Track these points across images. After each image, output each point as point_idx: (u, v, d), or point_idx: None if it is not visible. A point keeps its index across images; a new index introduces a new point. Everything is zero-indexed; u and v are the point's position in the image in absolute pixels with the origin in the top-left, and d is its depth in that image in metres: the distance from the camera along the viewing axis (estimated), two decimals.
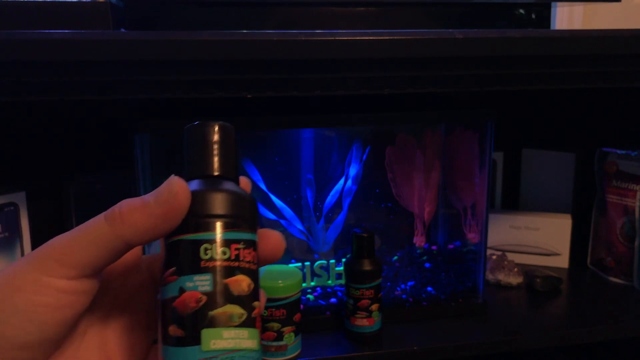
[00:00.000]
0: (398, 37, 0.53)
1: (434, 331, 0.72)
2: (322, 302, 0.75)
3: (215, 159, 0.30)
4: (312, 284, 0.76)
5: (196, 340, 0.27)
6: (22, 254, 0.74)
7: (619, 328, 0.73)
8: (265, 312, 0.64)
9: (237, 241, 0.28)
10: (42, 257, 0.26)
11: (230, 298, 0.27)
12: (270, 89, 0.54)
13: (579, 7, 1.35)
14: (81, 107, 0.83)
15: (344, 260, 0.74)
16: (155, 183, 0.68)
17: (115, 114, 0.82)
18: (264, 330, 0.64)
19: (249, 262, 0.28)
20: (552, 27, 0.88)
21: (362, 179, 0.75)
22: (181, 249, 0.28)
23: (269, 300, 0.63)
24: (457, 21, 0.78)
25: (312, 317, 0.73)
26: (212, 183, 0.29)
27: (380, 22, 0.75)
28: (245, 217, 0.29)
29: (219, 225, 0.28)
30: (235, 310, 0.27)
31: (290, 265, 0.74)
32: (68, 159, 0.85)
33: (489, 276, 0.85)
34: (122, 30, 0.65)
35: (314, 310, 0.74)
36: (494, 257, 0.86)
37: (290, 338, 0.65)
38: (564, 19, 1.36)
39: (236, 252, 0.28)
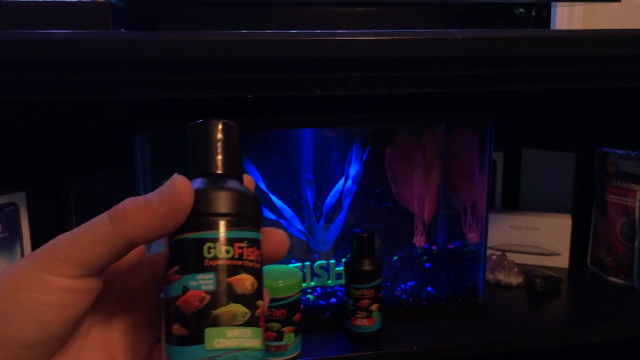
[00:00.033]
0: (398, 37, 0.53)
1: (434, 331, 0.72)
2: (322, 302, 0.75)
3: (219, 157, 0.30)
4: (312, 284, 0.76)
5: (200, 339, 0.27)
6: (22, 254, 0.74)
7: (619, 328, 0.73)
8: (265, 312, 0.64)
9: (241, 240, 0.28)
10: (45, 256, 0.26)
11: (234, 297, 0.27)
12: (270, 89, 0.54)
13: (579, 7, 1.35)
14: (81, 107, 0.83)
15: (344, 260, 0.74)
16: (155, 183, 0.68)
17: (115, 114, 0.82)
18: None
19: (252, 260, 0.28)
20: (552, 27, 0.88)
21: (362, 179, 0.75)
22: (185, 248, 0.28)
23: None
24: (457, 21, 0.78)
25: (312, 317, 0.73)
26: (216, 181, 0.29)
27: (380, 22, 0.75)
28: (248, 215, 0.29)
29: (222, 224, 0.28)
30: (239, 309, 0.27)
31: (290, 265, 0.74)
32: (68, 159, 0.85)
33: (489, 276, 0.85)
34: (122, 30, 0.65)
35: (314, 310, 0.74)
36: (494, 257, 0.86)
37: (290, 338, 0.65)
38: (564, 19, 1.36)
39: (240, 250, 0.28)
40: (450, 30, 0.54)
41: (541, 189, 0.99)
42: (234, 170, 0.30)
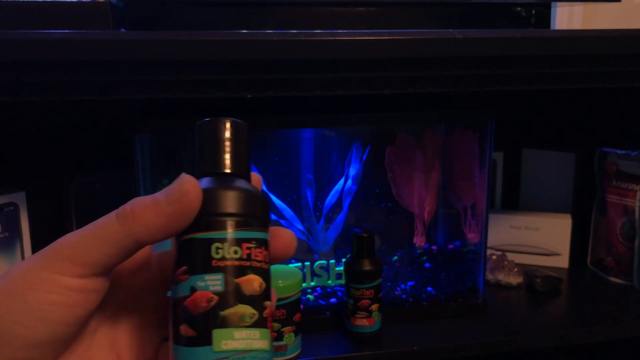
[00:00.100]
0: (398, 37, 0.53)
1: (434, 331, 0.72)
2: (322, 302, 0.75)
3: (227, 156, 0.30)
4: (312, 284, 0.76)
5: (207, 341, 0.26)
6: (22, 254, 0.74)
7: (619, 328, 0.73)
8: None
9: (249, 240, 0.28)
10: (53, 255, 0.26)
11: (242, 298, 0.27)
12: (270, 89, 0.54)
13: (579, 7, 1.35)
14: (81, 107, 0.83)
15: (344, 260, 0.74)
16: (155, 183, 0.68)
17: (115, 114, 0.82)
18: None
19: (260, 261, 0.28)
20: (552, 27, 0.88)
21: (362, 179, 0.75)
22: (193, 248, 0.27)
23: None
24: (457, 21, 0.78)
25: (312, 317, 0.73)
26: (224, 181, 0.29)
27: (380, 22, 0.75)
28: (256, 215, 0.28)
29: (230, 224, 0.27)
30: (247, 310, 0.27)
31: (290, 265, 0.74)
32: (68, 159, 0.85)
33: (489, 276, 0.85)
34: (122, 30, 0.65)
35: (314, 310, 0.74)
36: (494, 257, 0.86)
37: (290, 338, 0.65)
38: (564, 19, 1.36)
39: (248, 251, 0.28)
40: (450, 30, 0.54)
41: (541, 189, 0.99)
42: (242, 170, 0.30)
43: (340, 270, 0.76)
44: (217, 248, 0.27)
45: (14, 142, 0.83)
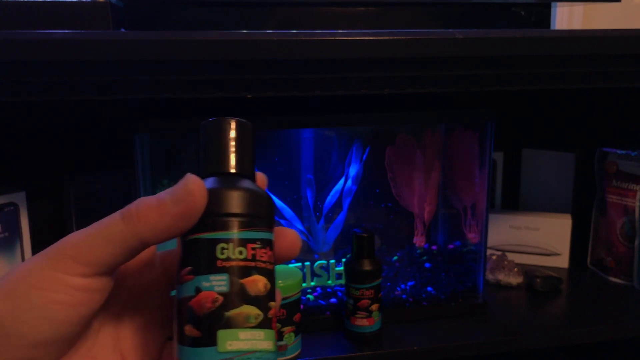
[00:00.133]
0: (398, 37, 0.53)
1: (434, 331, 0.72)
2: (322, 302, 0.75)
3: (232, 156, 0.30)
4: (312, 284, 0.76)
5: (212, 341, 0.26)
6: (22, 254, 0.74)
7: (619, 328, 0.73)
8: None
9: (254, 241, 0.28)
10: (57, 255, 0.26)
11: (247, 299, 0.27)
12: (270, 89, 0.54)
13: (579, 7, 1.35)
14: (81, 107, 0.83)
15: (344, 260, 0.74)
16: (155, 183, 0.68)
17: (115, 114, 0.82)
18: None
19: (265, 261, 0.28)
20: (552, 27, 0.88)
21: (362, 179, 0.75)
22: (198, 248, 0.27)
23: None
24: (457, 21, 0.78)
25: (312, 317, 0.73)
26: (229, 181, 0.29)
27: (380, 22, 0.75)
28: (261, 215, 0.28)
29: (235, 225, 0.27)
30: (252, 311, 0.27)
31: (290, 265, 0.74)
32: (68, 159, 0.85)
33: (489, 276, 0.85)
34: (122, 30, 0.65)
35: (314, 310, 0.74)
36: (494, 257, 0.86)
37: (290, 338, 0.65)
38: (564, 19, 1.36)
39: (253, 251, 0.27)
40: (450, 30, 0.54)
41: (541, 189, 0.99)
42: (247, 170, 0.30)
43: (340, 270, 0.76)
44: (222, 248, 0.27)
45: (14, 142, 0.83)
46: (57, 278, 0.26)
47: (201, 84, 0.53)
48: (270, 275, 0.28)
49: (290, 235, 0.31)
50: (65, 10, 0.57)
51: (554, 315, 0.78)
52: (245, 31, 0.51)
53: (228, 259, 0.27)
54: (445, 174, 0.79)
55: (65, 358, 0.28)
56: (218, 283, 0.27)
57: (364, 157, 0.75)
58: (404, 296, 0.77)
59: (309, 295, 0.75)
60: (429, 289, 0.78)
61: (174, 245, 0.30)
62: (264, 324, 0.27)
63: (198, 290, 0.27)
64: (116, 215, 0.27)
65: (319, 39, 0.51)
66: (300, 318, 0.67)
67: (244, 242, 0.27)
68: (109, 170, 0.82)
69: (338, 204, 0.76)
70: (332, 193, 0.76)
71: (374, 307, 0.69)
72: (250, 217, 0.28)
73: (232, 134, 0.30)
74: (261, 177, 0.32)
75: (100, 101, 0.56)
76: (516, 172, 1.01)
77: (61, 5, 0.57)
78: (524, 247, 0.92)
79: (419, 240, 0.79)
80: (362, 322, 0.69)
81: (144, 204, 0.27)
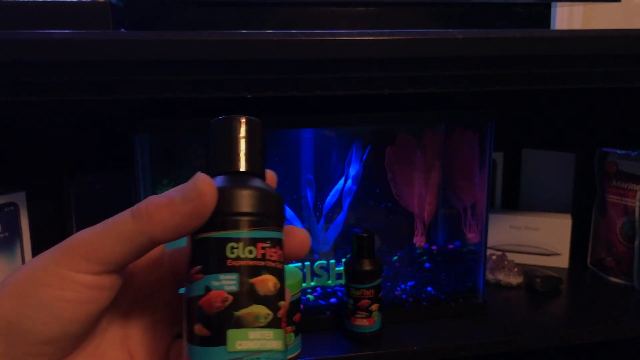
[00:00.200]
0: (398, 37, 0.53)
1: (434, 331, 0.72)
2: (322, 302, 0.75)
3: (242, 154, 0.29)
4: (312, 284, 0.76)
5: (222, 341, 0.26)
6: (22, 254, 0.74)
7: (619, 328, 0.73)
8: None
9: (264, 240, 0.28)
10: (67, 252, 0.26)
11: (256, 298, 0.27)
12: (270, 89, 0.54)
13: (579, 7, 1.35)
14: (81, 107, 0.83)
15: (344, 260, 0.74)
16: (155, 183, 0.68)
17: (115, 114, 0.82)
18: None
19: (275, 261, 0.28)
20: (552, 27, 0.88)
21: (362, 179, 0.76)
22: (207, 247, 0.27)
23: None
24: (457, 21, 0.78)
25: (312, 317, 0.73)
26: (239, 180, 0.29)
27: (380, 22, 0.75)
28: (271, 214, 0.28)
29: (245, 224, 0.27)
30: (261, 310, 0.27)
31: (290, 265, 0.74)
32: (68, 159, 0.85)
33: (489, 276, 0.85)
34: (122, 30, 0.65)
35: (314, 310, 0.74)
36: (494, 257, 0.86)
37: (290, 338, 0.65)
38: (564, 19, 1.36)
39: (262, 251, 0.27)
40: (450, 30, 0.54)
41: (541, 189, 0.99)
42: (256, 168, 0.30)
43: (340, 270, 0.76)
44: (232, 247, 0.27)
45: (14, 142, 0.83)
46: (66, 275, 0.26)
47: (201, 84, 0.53)
48: (280, 274, 0.28)
49: (299, 234, 0.30)
50: (65, 10, 0.57)
51: (554, 315, 0.78)
52: (245, 31, 0.51)
53: (238, 258, 0.27)
54: (445, 174, 0.79)
55: (74, 355, 0.28)
56: (228, 282, 0.27)
57: (364, 157, 0.75)
58: (404, 296, 0.77)
59: (309, 295, 0.75)
60: (429, 289, 0.78)
61: (182, 243, 0.30)
62: (273, 324, 0.27)
63: (208, 289, 0.27)
64: (126, 214, 0.27)
65: (319, 39, 0.51)
66: (300, 318, 0.67)
67: (253, 242, 0.27)
68: (109, 170, 0.82)
69: (338, 204, 0.76)
70: (332, 193, 0.76)
71: (374, 307, 0.69)
72: (260, 216, 0.28)
73: (242, 132, 0.30)
74: (271, 176, 0.32)
75: (100, 101, 0.56)
76: (516, 172, 1.01)
77: (61, 5, 0.57)
78: (524, 247, 0.92)
79: (419, 240, 0.79)
80: (362, 322, 0.69)
81: (154, 202, 0.27)
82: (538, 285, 0.83)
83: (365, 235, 0.69)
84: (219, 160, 0.30)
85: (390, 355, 0.68)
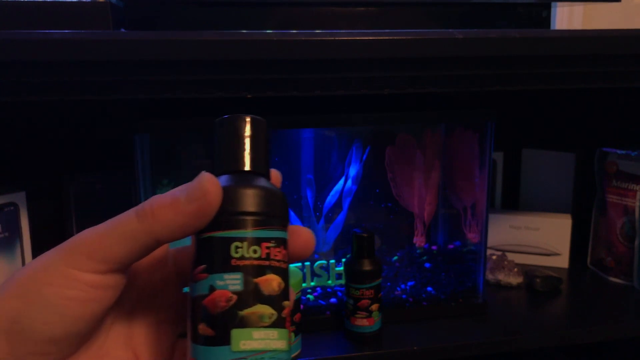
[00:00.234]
0: (398, 37, 0.53)
1: (434, 331, 0.72)
2: (322, 302, 0.75)
3: (247, 153, 0.29)
4: (312, 284, 0.76)
5: (226, 341, 0.26)
6: (22, 254, 0.74)
7: (619, 328, 0.73)
8: None
9: (268, 239, 0.28)
10: (71, 251, 0.26)
11: (261, 298, 0.27)
12: (270, 89, 0.54)
13: (579, 7, 1.35)
14: (81, 107, 0.83)
15: (344, 260, 0.74)
16: (155, 183, 0.68)
17: (115, 114, 0.82)
18: None
19: (279, 260, 0.28)
20: (552, 27, 0.88)
21: (362, 179, 0.76)
22: (212, 247, 0.27)
23: None
24: (457, 21, 0.78)
25: (312, 317, 0.73)
26: (244, 179, 0.29)
27: (380, 22, 0.75)
28: (276, 214, 0.28)
29: (250, 223, 0.27)
30: (266, 310, 0.27)
31: (291, 265, 0.74)
32: (68, 159, 0.85)
33: (489, 276, 0.85)
34: (122, 30, 0.65)
35: (314, 310, 0.74)
36: (494, 257, 0.86)
37: (290, 338, 0.65)
38: (564, 19, 1.36)
39: (267, 250, 0.27)
40: (450, 30, 0.54)
41: (541, 189, 0.99)
42: (261, 167, 0.30)
43: (340, 270, 0.76)
44: (237, 247, 0.27)
45: (14, 142, 0.83)
46: (70, 274, 0.26)
47: (201, 84, 0.53)
48: (284, 274, 0.28)
49: (304, 234, 0.30)
50: (65, 10, 0.57)
51: (554, 315, 0.78)
52: (245, 31, 0.51)
53: (242, 257, 0.27)
54: (445, 174, 0.79)
55: (77, 354, 0.28)
56: (232, 282, 0.27)
57: (364, 157, 0.75)
58: (404, 296, 0.77)
59: (309, 295, 0.75)
60: (429, 289, 0.78)
61: (187, 242, 0.30)
62: (277, 324, 0.27)
63: (212, 288, 0.27)
64: (131, 213, 0.27)
65: (319, 39, 0.51)
66: (300, 318, 0.67)
67: (258, 241, 0.27)
68: (109, 170, 0.82)
69: (338, 204, 0.76)
70: (332, 193, 0.76)
71: (374, 307, 0.69)
72: (264, 216, 0.28)
73: (247, 131, 0.30)
74: (276, 175, 0.32)
75: (100, 101, 0.56)
76: (516, 172, 1.01)
77: (61, 5, 0.57)
78: (524, 247, 0.92)
79: (419, 240, 0.79)
80: (362, 322, 0.69)
81: (159, 202, 0.27)
82: (538, 285, 0.83)
83: (365, 235, 0.69)
84: (224, 160, 0.30)
85: (390, 355, 0.68)
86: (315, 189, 0.75)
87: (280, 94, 0.55)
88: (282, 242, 0.28)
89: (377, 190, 0.78)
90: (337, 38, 0.51)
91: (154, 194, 0.68)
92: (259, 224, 0.27)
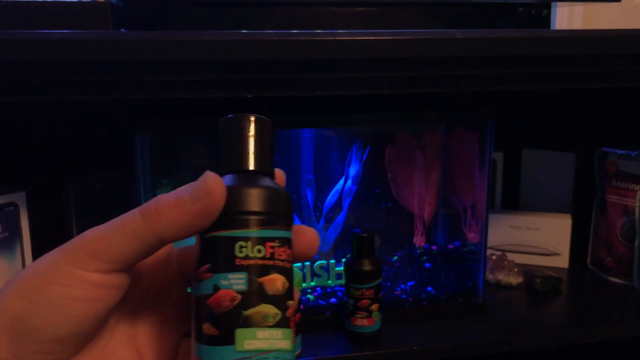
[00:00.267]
0: (398, 37, 0.53)
1: (434, 331, 0.72)
2: (322, 302, 0.75)
3: (251, 153, 0.29)
4: (312, 284, 0.76)
5: (230, 340, 0.26)
6: (22, 254, 0.74)
7: (619, 328, 0.73)
8: None
9: (273, 239, 0.28)
10: (75, 250, 0.26)
11: (265, 297, 0.27)
12: (270, 89, 0.54)
13: (579, 7, 1.35)
14: (81, 107, 0.83)
15: (344, 260, 0.74)
16: (155, 183, 0.68)
17: (115, 114, 0.82)
18: None
19: (283, 260, 0.28)
20: (552, 27, 0.88)
21: (362, 179, 0.76)
22: (216, 246, 0.27)
23: None
24: (457, 21, 0.78)
25: (312, 317, 0.73)
26: (248, 178, 0.29)
27: (380, 22, 0.75)
28: (280, 213, 0.28)
29: (254, 223, 0.27)
30: (270, 310, 0.27)
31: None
32: (68, 159, 0.85)
33: (489, 276, 0.85)
34: (122, 30, 0.65)
35: (314, 310, 0.74)
36: (494, 257, 0.86)
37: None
38: (564, 19, 1.36)
39: (271, 250, 0.27)
40: (450, 30, 0.54)
41: (541, 189, 0.99)
42: (266, 167, 0.30)
43: (340, 270, 0.76)
44: (241, 246, 0.27)
45: (14, 142, 0.83)
46: (75, 274, 0.26)
47: (201, 84, 0.53)
48: (288, 274, 0.28)
49: (308, 233, 0.30)
50: (65, 10, 0.57)
51: (554, 315, 0.78)
52: (245, 31, 0.51)
53: (247, 257, 0.27)
54: (445, 174, 0.79)
55: (81, 354, 0.28)
56: (236, 281, 0.27)
57: (364, 157, 0.75)
58: (404, 296, 0.77)
59: (309, 295, 0.75)
60: (429, 289, 0.78)
61: (191, 242, 0.30)
62: (282, 323, 0.27)
63: (216, 288, 0.27)
64: (135, 212, 0.27)
65: (319, 39, 0.51)
66: (300, 318, 0.67)
67: (262, 241, 0.27)
68: (109, 170, 0.82)
69: (338, 204, 0.76)
70: (332, 193, 0.76)
71: (374, 307, 0.69)
72: (269, 215, 0.28)
73: (251, 130, 0.30)
74: (280, 175, 0.32)
75: (100, 101, 0.56)
76: (516, 172, 1.01)
77: (61, 5, 0.57)
78: (524, 247, 0.92)
79: (419, 240, 0.79)
80: (362, 322, 0.69)
81: (163, 201, 0.27)
82: (538, 285, 0.83)
83: (365, 235, 0.69)
84: (228, 159, 0.30)
85: (390, 355, 0.68)
86: (315, 189, 0.75)
87: (280, 94, 0.55)
88: (286, 242, 0.28)
89: (377, 190, 0.78)
90: (337, 38, 0.51)
91: (154, 194, 0.68)
92: (263, 224, 0.27)
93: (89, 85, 0.51)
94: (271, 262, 0.27)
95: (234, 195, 0.27)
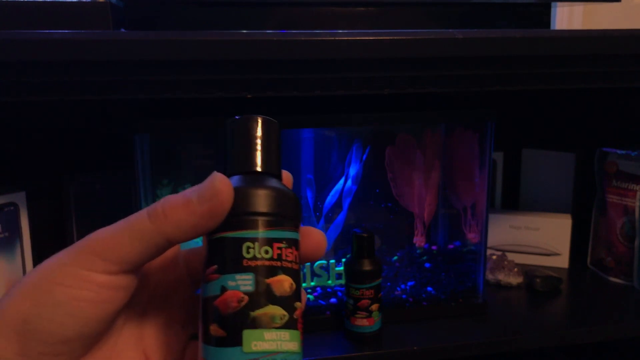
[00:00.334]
0: (398, 37, 0.53)
1: (434, 331, 0.72)
2: (322, 302, 0.75)
3: (258, 154, 0.29)
4: (312, 284, 0.76)
5: (237, 342, 0.26)
6: (22, 254, 0.74)
7: (619, 328, 0.73)
8: None
9: (280, 240, 0.28)
10: (83, 252, 0.26)
11: (272, 299, 0.27)
12: (270, 89, 0.54)
13: (579, 7, 1.35)
14: (81, 107, 0.83)
15: (344, 260, 0.74)
16: (155, 183, 0.68)
17: (115, 114, 0.82)
18: None
19: (291, 261, 0.28)
20: (552, 27, 0.88)
21: (362, 179, 0.75)
22: (223, 247, 0.27)
23: None
24: (457, 21, 0.78)
25: (312, 317, 0.73)
26: (255, 180, 0.29)
27: (380, 22, 0.75)
28: (288, 215, 0.28)
29: (261, 224, 0.27)
30: (277, 311, 0.27)
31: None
32: (68, 159, 0.85)
33: (489, 276, 0.85)
34: (122, 30, 0.65)
35: (314, 310, 0.74)
36: (494, 257, 0.86)
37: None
38: (564, 19, 1.36)
39: (279, 251, 0.27)
40: (450, 30, 0.54)
41: (541, 189, 0.99)
42: (273, 168, 0.30)
43: (340, 270, 0.76)
44: (248, 247, 0.27)
45: (14, 142, 0.83)
46: (82, 275, 0.26)
47: (201, 84, 0.53)
48: (295, 275, 0.28)
49: (316, 235, 0.30)
50: (65, 10, 0.57)
51: (554, 315, 0.78)
52: (245, 31, 0.51)
53: (254, 258, 0.27)
54: (445, 174, 0.79)
55: (89, 355, 0.28)
56: (244, 282, 0.27)
57: (364, 157, 0.75)
58: (404, 296, 0.77)
59: (309, 295, 0.75)
60: (429, 289, 0.78)
61: (198, 243, 0.30)
62: (289, 325, 0.27)
63: (224, 289, 0.27)
64: (142, 213, 0.27)
65: (319, 39, 0.51)
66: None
67: (270, 242, 0.27)
68: (109, 170, 0.82)
69: (338, 204, 0.76)
70: (332, 193, 0.76)
71: (374, 307, 0.69)
72: (276, 216, 0.28)
73: (259, 132, 0.30)
74: (287, 176, 0.32)
75: (100, 101, 0.56)
76: (516, 172, 1.01)
77: (61, 5, 0.57)
78: (524, 247, 0.92)
79: (419, 240, 0.79)
80: (362, 322, 0.69)
81: (170, 202, 0.27)
82: (538, 285, 0.83)
83: (365, 235, 0.69)
84: (236, 160, 0.30)
85: (390, 355, 0.68)
86: (315, 189, 0.75)
87: (280, 94, 0.55)
88: (293, 243, 0.28)
89: (377, 190, 0.78)
90: (337, 38, 0.51)
91: (154, 194, 0.68)
92: (270, 225, 0.27)
93: (89, 85, 0.51)
94: (278, 263, 0.27)
95: (241, 196, 0.27)
